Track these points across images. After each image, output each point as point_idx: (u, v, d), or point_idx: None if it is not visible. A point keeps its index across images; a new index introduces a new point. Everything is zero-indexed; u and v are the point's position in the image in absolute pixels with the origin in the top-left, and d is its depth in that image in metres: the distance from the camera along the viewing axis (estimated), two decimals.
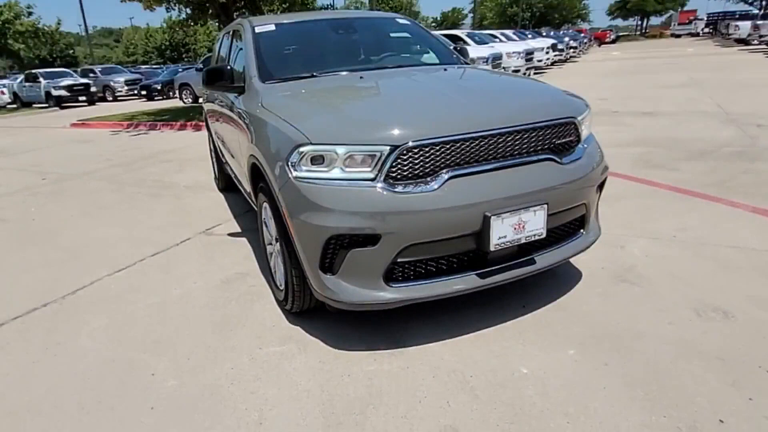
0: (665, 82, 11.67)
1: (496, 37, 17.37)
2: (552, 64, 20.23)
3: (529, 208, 2.08)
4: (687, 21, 55.52)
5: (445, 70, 3.18)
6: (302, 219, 2.06)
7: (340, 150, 2.01)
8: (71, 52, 57.14)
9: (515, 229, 2.07)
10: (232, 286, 3.00)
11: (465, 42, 12.94)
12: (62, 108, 19.22)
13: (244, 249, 3.55)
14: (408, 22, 3.99)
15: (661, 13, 69.84)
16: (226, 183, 4.96)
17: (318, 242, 2.04)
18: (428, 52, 3.70)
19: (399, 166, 2.00)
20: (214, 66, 3.42)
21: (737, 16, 34.87)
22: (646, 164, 4.92)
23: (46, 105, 20.08)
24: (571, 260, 2.79)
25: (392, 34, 3.96)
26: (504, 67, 13.46)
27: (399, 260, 2.04)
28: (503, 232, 2.05)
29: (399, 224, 1.96)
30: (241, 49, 3.47)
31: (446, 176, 2.02)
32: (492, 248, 2.05)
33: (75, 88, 19.86)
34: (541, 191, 2.14)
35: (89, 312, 2.81)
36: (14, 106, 21.79)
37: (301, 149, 2.06)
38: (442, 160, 2.04)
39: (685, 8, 64.99)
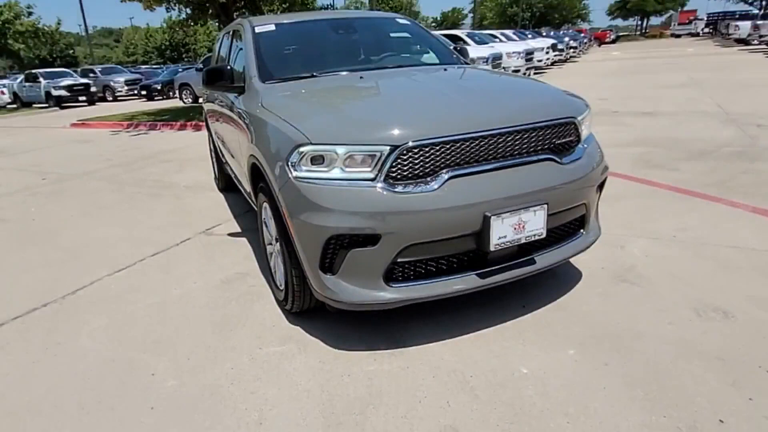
0: (665, 82, 11.67)
1: (496, 37, 17.38)
2: (552, 64, 20.24)
3: (529, 208, 2.08)
4: (687, 21, 55.56)
5: (445, 70, 3.18)
6: (302, 219, 2.06)
7: (340, 150, 2.01)
8: (71, 52, 57.06)
9: (515, 229, 2.07)
10: (232, 286, 3.00)
11: (465, 42, 12.95)
12: (62, 108, 19.21)
13: (244, 249, 3.55)
14: (408, 22, 3.99)
15: (661, 13, 69.89)
16: (226, 183, 4.96)
17: (318, 242, 2.04)
18: (428, 52, 3.70)
19: (399, 166, 2.00)
20: (214, 66, 3.42)
21: (737, 16, 34.87)
22: (646, 164, 4.92)
23: (46, 105, 20.08)
24: (571, 260, 2.79)
25: (392, 34, 3.96)
26: (504, 67, 13.47)
27: (399, 260, 2.04)
28: (503, 232, 2.05)
29: (399, 224, 1.96)
30: (241, 49, 3.47)
31: (446, 176, 2.02)
32: (492, 248, 2.05)
33: (75, 88, 19.85)
34: (541, 191, 2.14)
35: (89, 312, 2.82)
36: (14, 106, 21.79)
37: (301, 149, 2.06)
38: (442, 160, 2.04)
39: (685, 8, 65.08)
